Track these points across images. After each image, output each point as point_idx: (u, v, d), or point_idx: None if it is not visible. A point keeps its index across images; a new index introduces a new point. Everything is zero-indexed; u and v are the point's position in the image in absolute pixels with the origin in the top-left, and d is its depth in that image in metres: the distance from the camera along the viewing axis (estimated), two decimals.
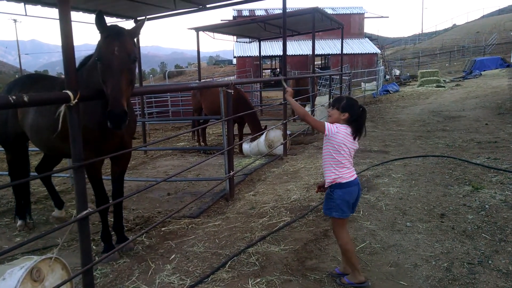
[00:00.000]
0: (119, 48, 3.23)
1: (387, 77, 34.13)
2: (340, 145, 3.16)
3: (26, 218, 5.28)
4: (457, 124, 11.45)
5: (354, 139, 3.19)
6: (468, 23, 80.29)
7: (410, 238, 4.13)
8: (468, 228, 4.27)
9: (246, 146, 9.83)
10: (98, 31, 3.32)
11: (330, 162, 3.23)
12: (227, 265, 3.78)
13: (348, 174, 3.20)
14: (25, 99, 2.45)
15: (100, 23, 3.28)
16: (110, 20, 8.90)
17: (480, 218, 4.51)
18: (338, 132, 3.15)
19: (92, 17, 8.55)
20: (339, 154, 3.18)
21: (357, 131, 3.17)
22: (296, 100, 13.50)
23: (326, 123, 3.21)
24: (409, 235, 4.21)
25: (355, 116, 3.16)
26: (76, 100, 2.77)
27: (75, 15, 7.81)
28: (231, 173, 5.88)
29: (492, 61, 33.61)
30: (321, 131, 3.23)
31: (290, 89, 3.88)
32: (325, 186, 3.31)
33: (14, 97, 2.40)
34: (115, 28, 3.38)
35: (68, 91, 2.74)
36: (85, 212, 2.93)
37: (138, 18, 9.67)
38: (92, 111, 3.77)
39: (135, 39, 3.53)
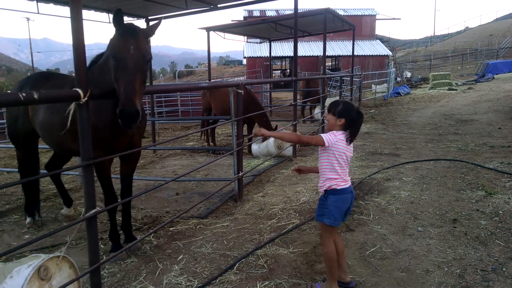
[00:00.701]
0: (134, 47, 3.23)
1: (398, 79, 33.88)
2: (340, 154, 3.09)
3: (35, 216, 5.30)
4: (469, 127, 11.30)
5: (349, 144, 3.12)
6: (481, 26, 79.44)
7: (421, 243, 4.05)
8: (481, 234, 4.18)
9: (255, 147, 9.78)
10: (114, 28, 3.31)
11: (327, 170, 3.16)
12: (235, 267, 3.74)
13: (343, 181, 3.13)
14: (35, 96, 2.43)
15: (118, 21, 3.27)
16: None
17: (494, 224, 4.42)
18: (338, 142, 3.08)
19: (103, 16, 8.57)
20: (337, 162, 3.11)
21: (352, 136, 3.10)
22: (305, 102, 13.35)
23: (323, 135, 3.11)
24: (421, 240, 4.14)
25: (352, 122, 3.08)
26: (86, 98, 2.75)
27: (86, 14, 7.84)
28: (240, 174, 5.84)
29: (505, 65, 33.19)
30: (321, 145, 3.13)
31: (262, 130, 3.34)
32: (319, 190, 3.25)
33: (24, 94, 2.38)
34: (132, 26, 3.37)
35: (78, 89, 2.72)
36: (93, 211, 2.92)
37: (149, 17, 9.68)
38: (103, 109, 3.75)
39: (149, 39, 3.51)
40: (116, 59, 3.22)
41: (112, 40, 3.37)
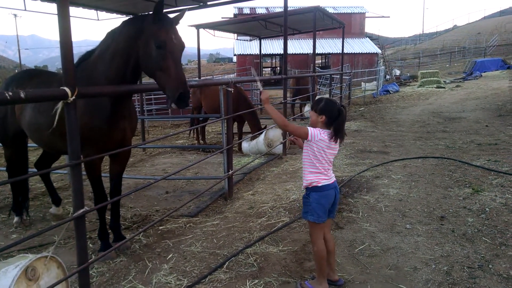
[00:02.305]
0: (176, 36, 3.45)
1: (388, 77, 34.07)
2: (319, 151, 3.11)
3: (23, 215, 5.24)
4: (457, 125, 11.42)
5: (335, 142, 3.12)
6: (469, 24, 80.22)
7: (409, 241, 4.10)
8: (468, 231, 4.24)
9: (245, 145, 9.79)
10: (153, 17, 3.40)
11: (308, 166, 3.19)
12: (225, 266, 3.75)
13: (324, 179, 3.14)
14: (22, 95, 2.41)
15: (158, 12, 3.38)
16: (110, 16, 8.84)
17: (480, 221, 4.48)
18: (321, 139, 3.09)
19: (92, 13, 8.47)
20: (317, 159, 3.13)
21: (336, 134, 3.08)
22: (295, 100, 13.39)
23: (309, 128, 3.13)
24: (409, 237, 4.18)
25: (332, 119, 3.09)
26: (73, 97, 2.73)
27: (74, 10, 7.76)
28: (230, 172, 5.84)
29: (492, 63, 33.55)
30: (304, 137, 3.15)
31: (267, 92, 3.50)
32: (302, 188, 3.26)
33: (10, 93, 2.36)
34: (169, 17, 3.53)
35: (65, 88, 2.69)
36: (81, 210, 2.90)
37: (140, 14, 9.58)
38: (98, 106, 3.73)
39: None
40: (163, 48, 3.35)
41: (150, 30, 3.42)
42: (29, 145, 5.42)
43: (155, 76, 3.46)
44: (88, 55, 4.00)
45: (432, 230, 4.31)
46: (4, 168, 5.43)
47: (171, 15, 3.62)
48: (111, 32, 3.79)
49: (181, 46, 3.48)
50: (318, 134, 3.10)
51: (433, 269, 3.53)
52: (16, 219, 5.19)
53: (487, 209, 4.78)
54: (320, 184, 3.12)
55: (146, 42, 3.44)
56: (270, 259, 3.84)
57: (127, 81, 3.76)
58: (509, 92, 18.20)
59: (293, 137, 3.50)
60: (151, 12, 3.42)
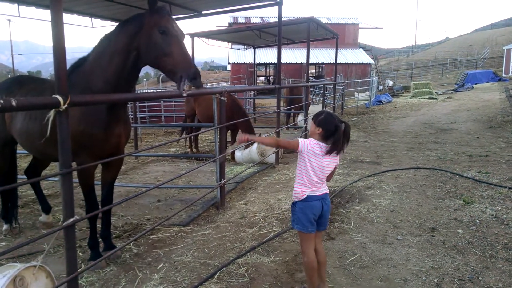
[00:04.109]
0: (175, 24, 3.66)
1: (380, 87, 34.31)
2: (310, 161, 3.11)
3: (12, 222, 5.18)
4: (448, 136, 11.51)
5: (329, 155, 3.09)
6: (461, 36, 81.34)
7: (400, 252, 4.11)
8: (458, 243, 4.26)
9: (238, 154, 9.78)
10: (151, 10, 3.62)
11: (297, 177, 3.21)
12: (215, 276, 3.73)
13: (308, 190, 3.14)
14: (13, 103, 2.40)
15: (153, 3, 3.61)
16: (104, 23, 8.84)
17: (471, 233, 4.51)
18: (310, 150, 3.10)
19: (86, 20, 8.47)
20: (306, 170, 3.13)
21: (332, 148, 3.07)
22: (289, 109, 13.42)
23: (300, 139, 3.14)
24: (400, 248, 4.19)
25: (329, 133, 3.08)
26: (66, 106, 2.72)
27: (69, 17, 7.74)
28: (223, 181, 5.83)
29: (484, 75, 33.98)
30: (296, 149, 3.15)
31: (246, 135, 3.40)
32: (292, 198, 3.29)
33: (1, 101, 2.34)
34: (166, 8, 3.71)
35: (58, 96, 2.68)
36: (72, 219, 2.87)
37: (136, 14, 9.58)
38: (94, 114, 3.73)
39: None
40: (167, 34, 3.52)
41: (151, 20, 3.58)
42: (18, 151, 5.37)
43: (161, 63, 3.57)
44: (81, 61, 4.00)
45: (423, 242, 4.33)
46: None
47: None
48: (107, 35, 3.86)
49: (182, 34, 3.67)
50: (308, 145, 3.11)
51: (423, 281, 3.54)
52: (5, 226, 5.12)
53: (477, 221, 4.81)
54: (303, 197, 3.13)
55: (149, 33, 3.58)
56: (261, 270, 3.83)
57: (126, 81, 3.82)
58: (500, 104, 18.41)
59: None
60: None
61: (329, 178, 3.27)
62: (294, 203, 3.24)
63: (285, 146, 3.34)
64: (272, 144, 3.31)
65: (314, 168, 3.12)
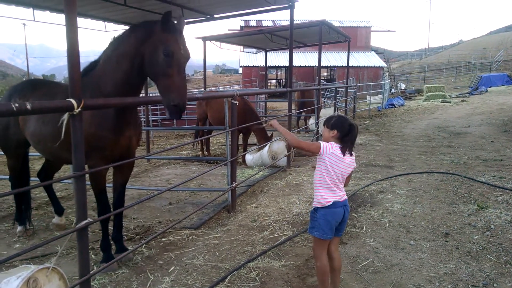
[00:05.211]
0: (183, 46, 3.51)
1: (393, 90, 34.11)
2: (331, 165, 3.10)
3: (26, 224, 5.24)
4: (462, 140, 11.37)
5: (350, 155, 3.14)
6: (475, 39, 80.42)
7: (413, 257, 4.06)
8: (473, 249, 4.19)
9: (249, 157, 9.79)
10: (162, 25, 3.46)
11: (319, 182, 3.18)
12: (226, 280, 3.72)
13: (333, 196, 3.12)
14: (28, 107, 2.43)
15: (167, 21, 3.44)
16: (117, 27, 8.94)
17: (485, 238, 4.44)
18: (333, 153, 3.10)
19: (100, 24, 8.58)
20: (329, 174, 3.12)
21: (347, 147, 3.13)
22: (300, 112, 13.45)
23: (321, 142, 3.15)
24: (413, 254, 4.14)
25: (344, 133, 3.12)
26: (79, 109, 2.75)
27: (83, 22, 7.88)
28: (234, 185, 5.83)
29: (498, 78, 33.56)
30: (316, 152, 3.15)
31: (274, 121, 3.76)
32: (313, 205, 3.25)
33: (17, 105, 2.38)
34: (177, 27, 3.54)
35: (71, 99, 2.71)
36: (84, 222, 2.90)
37: (150, 20, 9.68)
38: (105, 116, 3.76)
39: None
40: (170, 57, 3.40)
41: (159, 36, 3.48)
42: (31, 154, 5.43)
43: (157, 81, 3.51)
44: (93, 65, 4.03)
45: (436, 247, 4.27)
46: (7, 177, 5.45)
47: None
48: (119, 37, 3.85)
49: (187, 57, 3.55)
50: (330, 148, 3.11)
51: (437, 287, 3.49)
52: (19, 228, 5.19)
53: (492, 226, 4.73)
54: (329, 203, 3.10)
55: (154, 47, 3.50)
56: (272, 274, 3.81)
57: (134, 84, 3.81)
58: None
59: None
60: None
61: (346, 183, 3.26)
62: (315, 209, 3.19)
63: (305, 147, 3.30)
64: (293, 142, 3.29)
65: (335, 171, 3.12)
